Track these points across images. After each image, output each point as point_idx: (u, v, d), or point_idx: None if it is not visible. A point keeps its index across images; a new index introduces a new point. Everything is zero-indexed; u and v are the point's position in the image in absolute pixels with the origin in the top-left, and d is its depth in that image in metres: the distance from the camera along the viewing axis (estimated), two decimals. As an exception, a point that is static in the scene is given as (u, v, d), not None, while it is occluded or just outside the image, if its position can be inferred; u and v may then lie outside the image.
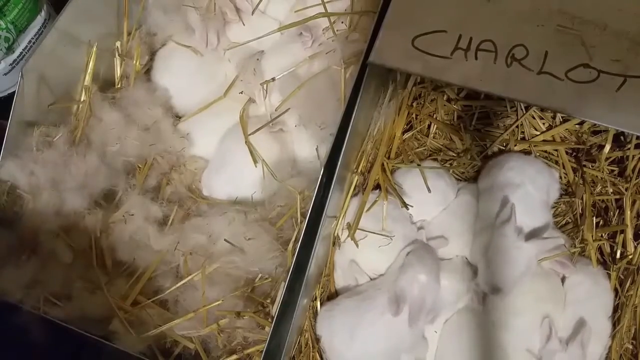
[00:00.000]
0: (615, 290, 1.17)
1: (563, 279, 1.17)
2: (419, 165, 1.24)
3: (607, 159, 1.26)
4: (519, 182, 1.19)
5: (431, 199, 1.22)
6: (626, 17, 0.94)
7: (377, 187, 1.19)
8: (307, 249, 1.01)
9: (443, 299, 1.12)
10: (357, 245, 1.11)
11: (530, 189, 1.19)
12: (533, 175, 1.22)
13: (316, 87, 1.19)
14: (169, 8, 1.36)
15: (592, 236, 1.19)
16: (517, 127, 1.32)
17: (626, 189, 1.21)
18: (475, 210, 1.24)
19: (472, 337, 1.12)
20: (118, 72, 1.34)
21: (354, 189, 1.16)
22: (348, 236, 1.12)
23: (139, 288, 1.12)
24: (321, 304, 1.13)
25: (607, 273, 1.18)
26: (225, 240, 1.12)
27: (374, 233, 1.11)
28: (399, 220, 1.17)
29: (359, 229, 1.11)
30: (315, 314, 1.12)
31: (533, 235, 1.14)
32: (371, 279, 1.14)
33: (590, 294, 1.14)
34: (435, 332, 1.15)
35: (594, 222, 1.22)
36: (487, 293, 1.13)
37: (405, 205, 1.15)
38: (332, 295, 1.17)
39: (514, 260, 1.10)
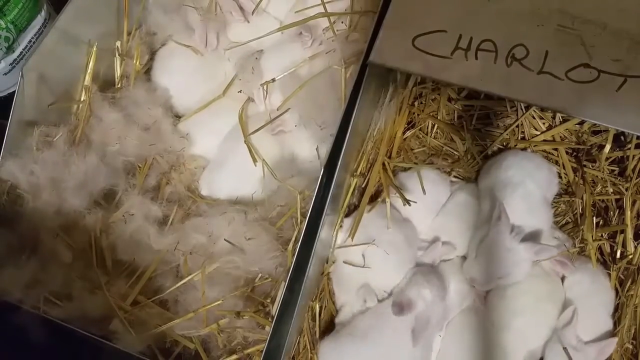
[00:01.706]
0: (616, 290, 1.17)
1: (563, 279, 1.17)
2: (415, 164, 1.23)
3: (607, 158, 1.26)
4: (519, 180, 1.19)
5: (428, 203, 1.22)
6: (626, 16, 0.93)
7: (377, 196, 1.19)
8: (307, 249, 1.01)
9: (448, 302, 1.12)
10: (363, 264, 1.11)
11: (530, 186, 1.19)
12: (532, 171, 1.22)
13: (316, 87, 1.19)
14: (169, 8, 1.36)
15: (592, 236, 1.19)
16: (517, 126, 1.32)
17: (626, 189, 1.21)
18: (474, 209, 1.24)
19: (473, 337, 1.12)
20: (118, 71, 1.34)
21: (354, 190, 1.15)
22: (345, 240, 1.12)
23: (139, 288, 1.12)
24: (320, 306, 1.12)
25: (607, 273, 1.18)
26: (225, 240, 1.12)
27: (358, 245, 1.11)
28: (404, 233, 1.17)
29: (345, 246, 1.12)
30: (314, 314, 1.12)
31: (534, 235, 1.14)
32: (379, 301, 1.12)
33: (590, 292, 1.15)
34: (440, 336, 1.14)
35: (594, 222, 1.22)
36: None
37: (408, 202, 1.15)
38: (332, 295, 1.17)
39: (502, 259, 1.10)
